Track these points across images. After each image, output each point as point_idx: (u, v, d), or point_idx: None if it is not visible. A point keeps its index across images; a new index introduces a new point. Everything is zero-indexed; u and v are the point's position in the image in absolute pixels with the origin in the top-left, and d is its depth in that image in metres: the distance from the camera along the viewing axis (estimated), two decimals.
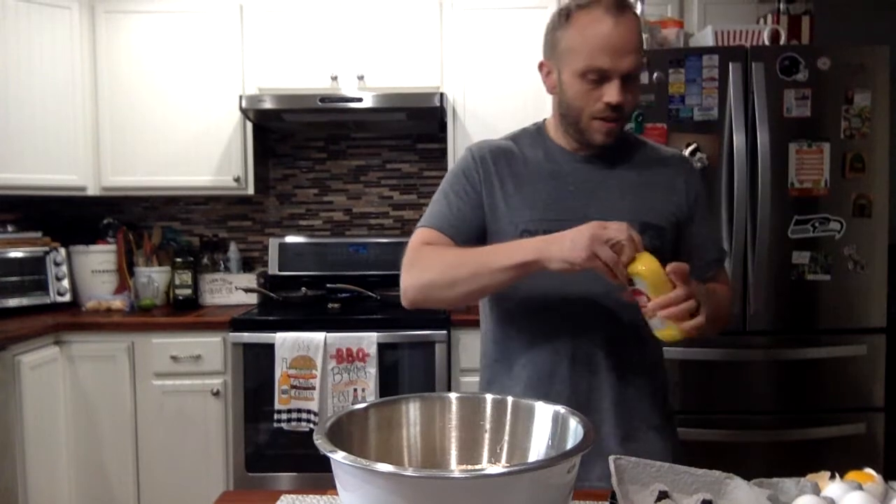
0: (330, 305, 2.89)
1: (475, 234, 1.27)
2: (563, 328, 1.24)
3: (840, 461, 0.95)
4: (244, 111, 2.87)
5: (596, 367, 1.24)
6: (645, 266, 1.02)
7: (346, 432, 0.86)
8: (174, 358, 2.67)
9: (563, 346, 1.24)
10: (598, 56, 1.15)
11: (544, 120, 1.37)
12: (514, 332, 1.30)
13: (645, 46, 2.37)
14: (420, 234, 1.27)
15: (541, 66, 1.28)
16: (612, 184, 1.27)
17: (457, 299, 1.20)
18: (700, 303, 1.05)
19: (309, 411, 2.55)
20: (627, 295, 1.07)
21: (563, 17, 1.20)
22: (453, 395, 0.98)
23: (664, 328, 1.05)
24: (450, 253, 1.22)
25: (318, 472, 2.56)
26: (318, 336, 2.56)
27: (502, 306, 1.31)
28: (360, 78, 2.91)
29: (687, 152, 2.31)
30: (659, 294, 1.03)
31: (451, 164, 2.96)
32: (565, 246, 1.04)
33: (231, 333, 2.65)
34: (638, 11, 2.37)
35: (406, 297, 1.23)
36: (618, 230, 1.03)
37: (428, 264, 1.21)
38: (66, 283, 2.97)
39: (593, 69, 1.16)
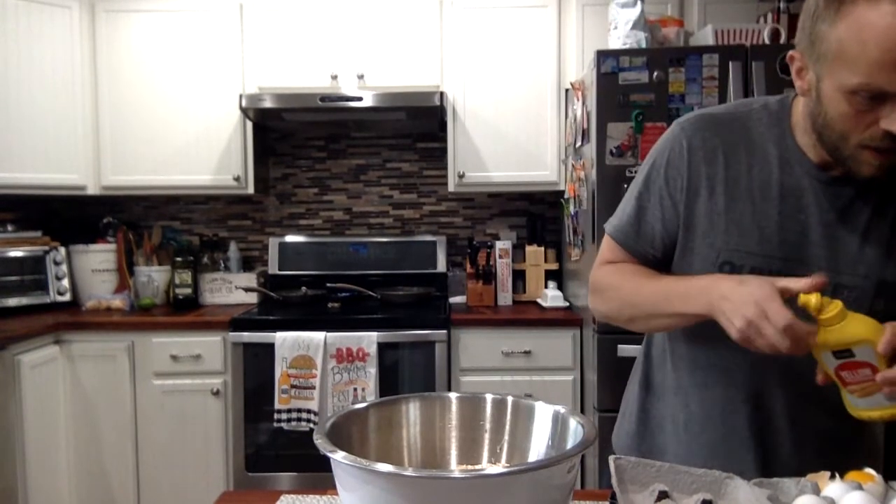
0: (330, 305, 2.89)
1: (667, 247, 1.06)
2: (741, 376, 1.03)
3: (840, 461, 0.94)
4: (244, 110, 2.87)
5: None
6: (867, 329, 0.83)
7: (346, 432, 0.86)
8: (174, 357, 2.67)
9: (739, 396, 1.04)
10: (880, 72, 0.81)
11: (792, 97, 1.01)
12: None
13: (644, 45, 2.37)
14: (606, 246, 1.12)
15: (791, 58, 0.94)
16: (857, 223, 0.96)
17: (641, 331, 1.08)
18: None
19: (309, 411, 2.55)
20: (823, 375, 0.87)
21: (834, 4, 0.84)
22: (453, 395, 0.98)
23: (886, 406, 0.87)
24: (627, 285, 1.05)
25: (318, 472, 2.57)
26: (318, 336, 2.56)
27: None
28: (360, 77, 2.91)
29: None
30: (884, 365, 0.83)
31: (450, 164, 2.96)
32: (726, 311, 0.86)
33: (231, 333, 2.65)
34: (638, 10, 2.38)
35: (594, 314, 1.15)
36: (775, 332, 0.81)
37: (608, 295, 1.09)
38: (66, 282, 2.97)
39: (871, 88, 0.83)
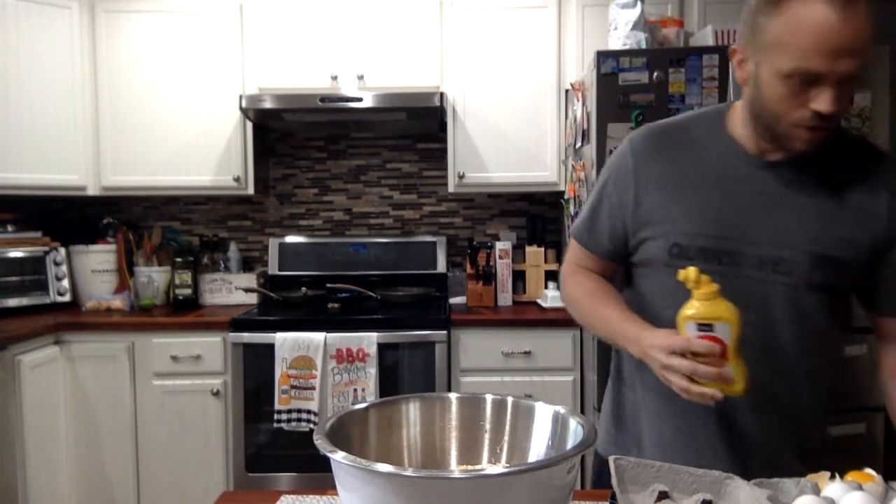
0: (330, 305, 2.89)
1: (617, 243, 1.20)
2: None
3: (840, 461, 0.95)
4: (244, 111, 2.87)
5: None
6: (731, 312, 0.95)
7: (346, 432, 0.86)
8: (174, 358, 2.67)
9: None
10: (812, 57, 0.93)
11: (729, 104, 1.16)
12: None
13: (644, 46, 2.37)
14: (571, 249, 1.28)
15: (732, 52, 1.08)
16: (791, 201, 1.07)
17: None
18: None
19: (309, 411, 2.55)
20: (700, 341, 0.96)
21: (773, 0, 0.98)
22: (453, 395, 0.98)
23: (736, 382, 0.96)
24: (584, 302, 1.21)
25: (318, 472, 2.57)
26: (318, 336, 2.56)
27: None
28: (360, 78, 2.91)
29: None
30: (734, 347, 0.95)
31: (450, 164, 2.96)
32: (653, 365, 1.00)
33: (231, 333, 2.65)
34: (638, 11, 2.38)
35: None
36: (678, 367, 0.95)
37: (573, 307, 1.25)
38: (66, 282, 2.97)
39: (804, 72, 0.95)
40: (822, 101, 0.96)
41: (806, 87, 0.96)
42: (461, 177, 2.94)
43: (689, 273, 0.95)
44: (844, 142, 1.11)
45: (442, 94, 2.77)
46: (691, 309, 0.96)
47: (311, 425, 2.55)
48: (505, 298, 3.03)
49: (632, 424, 1.23)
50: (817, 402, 1.15)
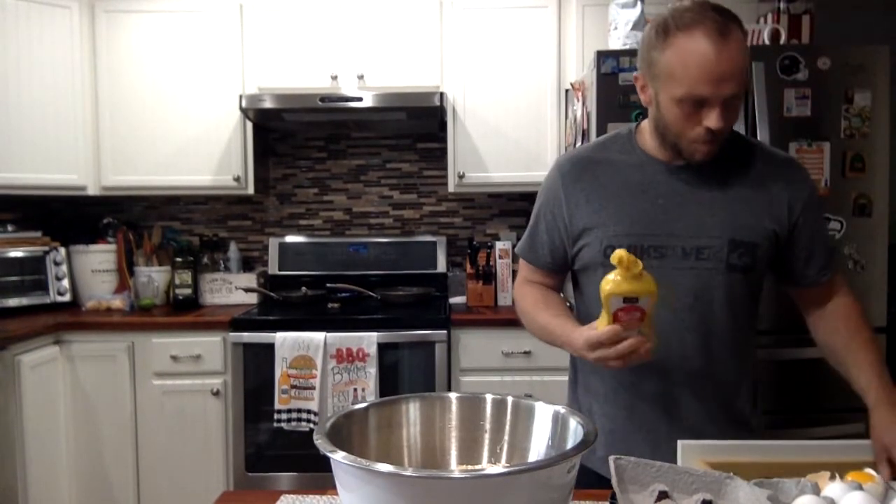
0: (330, 305, 2.89)
1: (556, 255, 1.34)
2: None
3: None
4: (244, 111, 2.87)
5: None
6: (652, 286, 1.05)
7: (346, 432, 0.86)
8: (174, 358, 2.67)
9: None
10: (698, 85, 1.10)
11: (637, 124, 1.33)
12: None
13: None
14: (520, 266, 1.44)
15: (636, 79, 1.24)
16: (703, 198, 1.23)
17: None
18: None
19: (309, 411, 2.55)
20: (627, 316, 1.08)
21: (661, 36, 1.14)
22: (453, 395, 0.98)
23: (649, 340, 1.09)
24: (528, 312, 1.36)
25: (318, 472, 2.57)
26: (318, 336, 2.56)
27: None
28: (360, 77, 2.91)
29: None
30: (650, 313, 1.08)
31: (450, 164, 2.97)
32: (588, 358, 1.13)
33: (231, 333, 2.65)
34: (638, 11, 2.38)
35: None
36: (602, 356, 1.09)
37: (520, 314, 1.41)
38: (66, 282, 2.97)
39: (693, 97, 1.11)
40: (711, 119, 1.12)
41: (697, 109, 1.13)
42: (461, 176, 2.94)
43: (622, 255, 1.03)
44: (743, 143, 1.30)
45: (442, 94, 2.77)
46: (620, 286, 1.04)
47: (311, 425, 2.55)
48: (505, 298, 3.03)
49: (589, 401, 1.38)
50: (745, 377, 1.30)
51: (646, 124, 1.29)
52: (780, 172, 1.26)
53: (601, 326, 1.08)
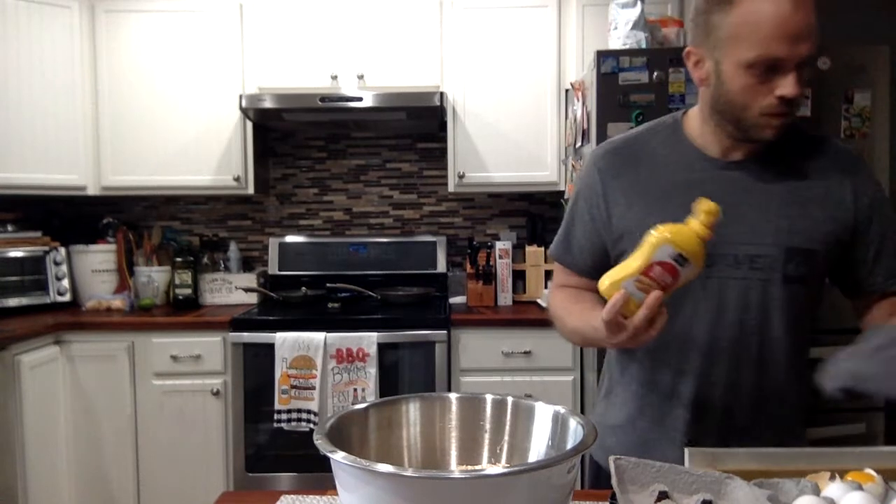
0: (330, 305, 2.89)
1: (595, 257, 1.21)
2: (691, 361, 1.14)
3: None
4: (244, 110, 2.87)
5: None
6: (703, 259, 0.93)
7: (346, 432, 0.86)
8: (174, 358, 2.67)
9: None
10: (772, 44, 0.99)
11: (684, 112, 1.21)
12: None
13: (644, 45, 2.37)
14: (556, 270, 1.30)
15: (687, 54, 1.12)
16: (757, 201, 1.11)
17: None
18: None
19: (309, 411, 2.55)
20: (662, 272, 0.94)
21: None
22: (453, 395, 0.98)
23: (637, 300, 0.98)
24: (562, 315, 1.21)
25: (318, 472, 2.57)
26: (318, 336, 2.56)
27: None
28: (360, 77, 2.91)
29: None
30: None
31: (450, 164, 2.96)
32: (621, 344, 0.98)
33: (231, 333, 2.65)
34: (638, 11, 2.38)
35: None
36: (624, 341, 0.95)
37: (554, 321, 1.26)
38: (66, 282, 2.97)
39: (767, 59, 1.00)
40: (786, 86, 1.01)
41: (769, 75, 1.01)
42: (461, 176, 2.94)
43: (713, 207, 0.92)
44: (803, 137, 1.15)
45: (442, 94, 2.77)
46: (685, 238, 0.91)
47: (311, 425, 2.55)
48: (505, 298, 3.03)
49: (618, 404, 1.27)
50: (801, 409, 1.17)
51: (694, 112, 1.17)
52: (842, 169, 1.13)
53: (632, 266, 0.94)
